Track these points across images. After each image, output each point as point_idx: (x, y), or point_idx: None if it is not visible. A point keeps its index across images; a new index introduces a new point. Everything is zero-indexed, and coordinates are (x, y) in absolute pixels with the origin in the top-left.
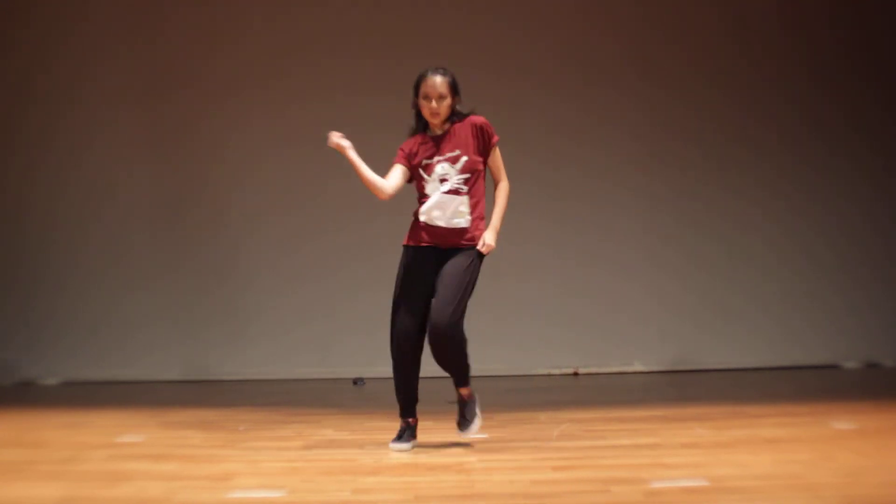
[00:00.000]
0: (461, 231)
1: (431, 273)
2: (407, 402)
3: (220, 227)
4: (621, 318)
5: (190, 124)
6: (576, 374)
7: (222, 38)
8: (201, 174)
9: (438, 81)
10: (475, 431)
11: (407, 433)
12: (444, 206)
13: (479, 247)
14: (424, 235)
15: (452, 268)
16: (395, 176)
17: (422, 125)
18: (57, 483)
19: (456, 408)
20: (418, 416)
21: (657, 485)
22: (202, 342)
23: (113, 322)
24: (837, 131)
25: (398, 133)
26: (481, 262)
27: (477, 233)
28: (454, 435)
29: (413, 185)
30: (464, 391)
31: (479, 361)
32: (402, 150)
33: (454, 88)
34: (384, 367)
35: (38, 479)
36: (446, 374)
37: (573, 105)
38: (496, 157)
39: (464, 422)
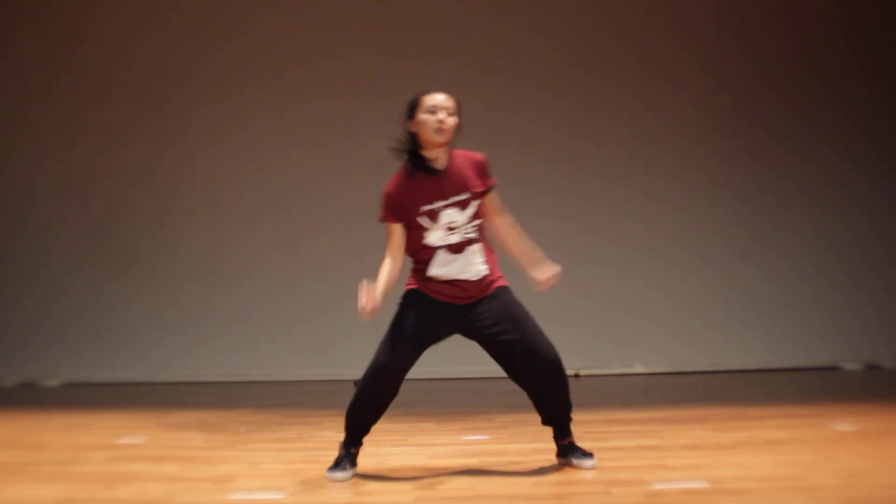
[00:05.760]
0: (484, 279)
1: (442, 328)
2: (362, 433)
3: (219, 228)
4: (622, 320)
5: (187, 123)
6: (577, 375)
7: (215, 38)
8: (199, 174)
9: (445, 96)
10: (592, 465)
11: (347, 460)
12: (454, 264)
13: (539, 287)
14: (439, 290)
15: (510, 306)
16: (395, 242)
17: (411, 159)
18: (57, 484)
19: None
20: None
21: (658, 486)
22: (202, 344)
23: (114, 323)
24: (839, 131)
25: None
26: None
27: (497, 273)
28: (455, 437)
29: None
30: (568, 440)
31: (481, 363)
32: (388, 205)
33: (460, 111)
34: None
35: (38, 481)
36: (441, 377)
37: (574, 103)
38: (494, 198)
39: (585, 456)
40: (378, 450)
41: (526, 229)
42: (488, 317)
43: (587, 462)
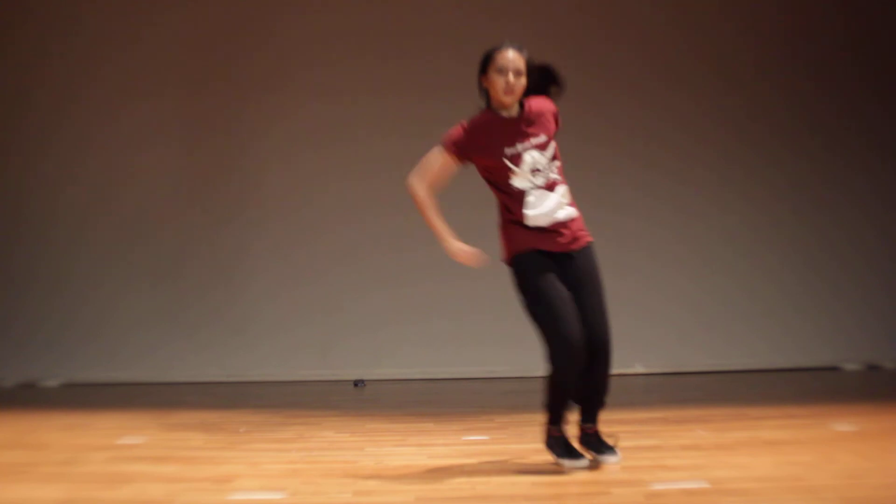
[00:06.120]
0: (577, 223)
1: (562, 279)
2: (566, 408)
3: (219, 228)
4: (622, 320)
5: (191, 125)
6: None
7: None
8: (200, 175)
9: (514, 55)
10: (616, 461)
11: (566, 445)
12: (547, 203)
13: None
14: (538, 240)
15: (592, 271)
16: (432, 171)
17: (487, 107)
18: (57, 485)
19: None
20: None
21: (658, 487)
22: (203, 344)
23: (113, 323)
24: (840, 133)
25: (416, 133)
26: None
27: (583, 225)
28: (455, 437)
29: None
30: (593, 429)
31: (481, 364)
32: (459, 141)
33: (530, 68)
34: (385, 369)
35: (38, 481)
36: (441, 377)
37: (573, 103)
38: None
39: (608, 451)
40: (378, 450)
41: None
42: (575, 273)
43: (611, 458)
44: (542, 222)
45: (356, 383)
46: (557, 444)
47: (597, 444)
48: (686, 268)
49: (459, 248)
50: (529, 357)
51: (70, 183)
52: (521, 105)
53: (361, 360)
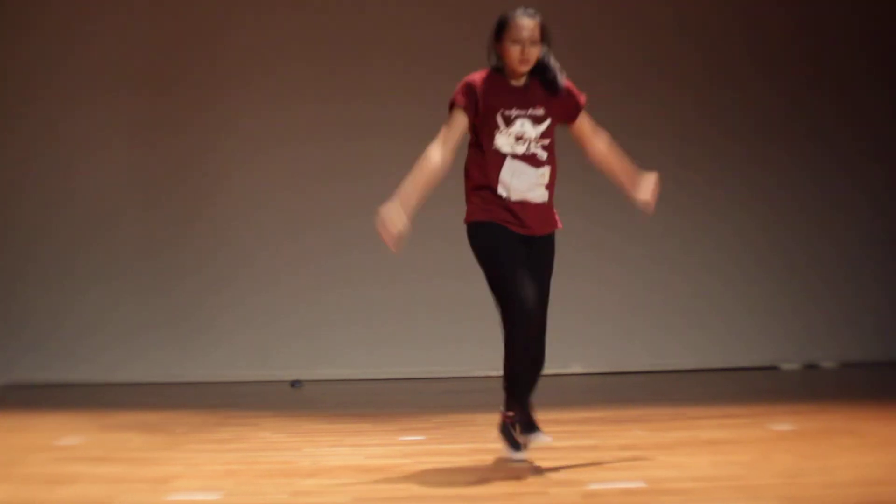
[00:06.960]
0: (547, 208)
1: (524, 254)
2: (526, 391)
3: (164, 231)
4: (558, 320)
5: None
6: None
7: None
8: (151, 177)
9: (530, 24)
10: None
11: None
12: (523, 176)
13: (642, 204)
14: (508, 216)
15: (548, 260)
16: (454, 135)
17: (496, 69)
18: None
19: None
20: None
21: (595, 486)
22: (142, 345)
23: (53, 326)
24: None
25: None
26: None
27: (555, 211)
28: (392, 438)
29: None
30: (527, 417)
31: (418, 364)
32: (467, 90)
33: (545, 34)
34: (322, 370)
35: None
36: (377, 378)
37: None
38: (585, 120)
39: (528, 431)
40: (314, 450)
41: None
42: (535, 257)
43: (541, 438)
44: (513, 196)
45: (293, 384)
46: (509, 431)
47: (525, 427)
48: (625, 264)
49: (391, 216)
50: (468, 357)
51: (27, 182)
52: (531, 76)
53: (299, 361)
